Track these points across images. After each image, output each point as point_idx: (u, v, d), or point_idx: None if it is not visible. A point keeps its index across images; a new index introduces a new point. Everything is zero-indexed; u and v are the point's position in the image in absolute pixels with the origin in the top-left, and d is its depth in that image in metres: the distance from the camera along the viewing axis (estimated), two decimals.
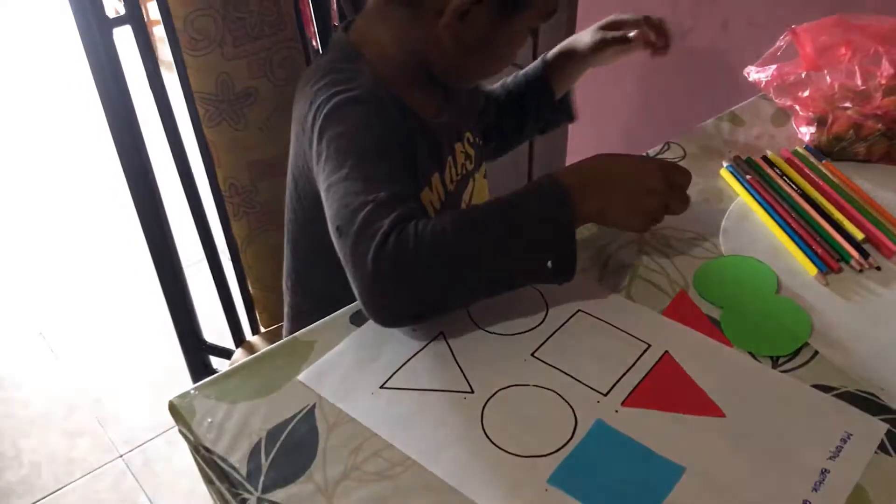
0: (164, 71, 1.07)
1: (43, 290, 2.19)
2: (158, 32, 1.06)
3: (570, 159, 1.71)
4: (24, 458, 1.73)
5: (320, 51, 1.19)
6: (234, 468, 0.65)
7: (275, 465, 0.65)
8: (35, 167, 2.68)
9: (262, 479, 0.64)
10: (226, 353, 1.24)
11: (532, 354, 0.73)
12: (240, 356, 1.20)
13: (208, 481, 0.67)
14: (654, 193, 0.76)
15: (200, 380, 0.72)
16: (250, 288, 1.21)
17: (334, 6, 1.19)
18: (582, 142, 1.75)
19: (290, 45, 1.11)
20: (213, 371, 1.23)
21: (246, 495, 0.63)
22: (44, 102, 2.97)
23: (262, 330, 1.24)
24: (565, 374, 0.71)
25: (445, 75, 0.89)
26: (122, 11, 1.03)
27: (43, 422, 1.81)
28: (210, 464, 0.66)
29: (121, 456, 1.73)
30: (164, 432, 1.75)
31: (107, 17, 1.00)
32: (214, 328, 1.30)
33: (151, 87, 1.07)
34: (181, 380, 1.15)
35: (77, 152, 2.67)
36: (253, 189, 1.14)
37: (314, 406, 0.69)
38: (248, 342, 1.24)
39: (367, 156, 0.76)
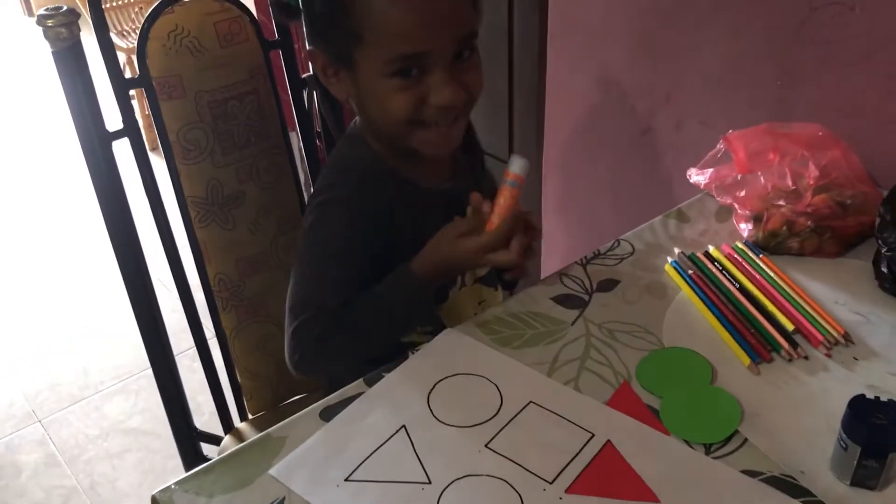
0: (159, 175, 1.15)
1: (39, 378, 2.22)
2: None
3: (547, 242, 1.80)
4: None
5: (304, 156, 1.29)
6: None
7: None
8: (35, 262, 2.75)
9: None
10: (215, 440, 1.30)
11: (486, 445, 0.80)
12: (228, 443, 1.26)
13: None
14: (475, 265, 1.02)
15: (191, 465, 0.79)
16: (238, 376, 1.28)
17: (316, 113, 1.29)
18: (554, 231, 1.83)
19: (276, 152, 1.20)
20: (204, 457, 1.28)
21: None
22: (45, 205, 3.05)
23: (250, 416, 1.31)
24: (515, 463, 0.78)
25: (381, 141, 0.98)
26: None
27: None
28: None
29: None
30: None
31: (107, 131, 1.08)
32: (208, 411, 1.35)
33: (146, 192, 1.15)
34: (173, 465, 1.20)
35: (75, 251, 2.74)
36: (240, 284, 1.21)
37: (284, 499, 0.75)
38: (237, 429, 1.30)
39: (327, 255, 0.95)
